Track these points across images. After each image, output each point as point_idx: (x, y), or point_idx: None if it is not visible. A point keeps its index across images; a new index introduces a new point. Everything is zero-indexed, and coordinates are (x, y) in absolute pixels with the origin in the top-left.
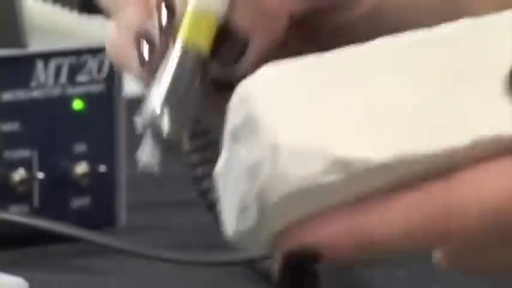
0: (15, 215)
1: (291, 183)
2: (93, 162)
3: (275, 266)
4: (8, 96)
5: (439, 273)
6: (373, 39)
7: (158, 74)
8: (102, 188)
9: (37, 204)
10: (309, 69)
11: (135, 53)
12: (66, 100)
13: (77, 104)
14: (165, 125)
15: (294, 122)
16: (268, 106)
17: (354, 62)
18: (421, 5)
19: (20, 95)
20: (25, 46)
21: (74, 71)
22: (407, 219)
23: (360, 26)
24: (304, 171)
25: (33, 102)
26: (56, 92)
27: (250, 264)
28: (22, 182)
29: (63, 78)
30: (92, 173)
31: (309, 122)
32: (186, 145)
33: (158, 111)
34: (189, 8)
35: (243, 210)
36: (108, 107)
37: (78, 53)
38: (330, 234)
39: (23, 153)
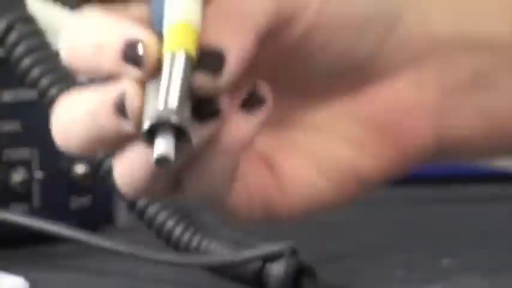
0: (15, 215)
1: None
2: (92, 162)
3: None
4: (8, 96)
5: (438, 272)
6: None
7: (155, 77)
8: (102, 188)
9: (37, 204)
10: None
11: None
12: None
13: None
14: (185, 118)
15: None
16: None
17: None
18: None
19: (20, 95)
20: None
21: None
22: None
23: (302, 45)
24: None
25: (33, 102)
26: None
27: (246, 266)
28: (22, 182)
29: None
30: (92, 173)
31: None
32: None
33: (175, 107)
34: (173, 22)
35: None
36: None
37: None
38: None
39: (23, 153)
